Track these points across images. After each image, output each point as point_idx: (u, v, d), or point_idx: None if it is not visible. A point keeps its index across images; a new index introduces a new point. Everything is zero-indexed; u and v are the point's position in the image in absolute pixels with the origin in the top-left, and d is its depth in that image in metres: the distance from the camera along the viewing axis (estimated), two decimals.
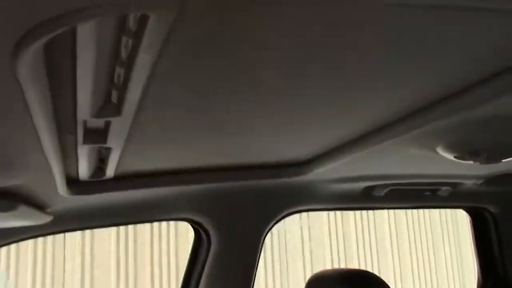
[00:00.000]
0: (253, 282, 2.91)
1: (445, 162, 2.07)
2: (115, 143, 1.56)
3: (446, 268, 10.55)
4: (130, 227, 8.24)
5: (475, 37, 1.12)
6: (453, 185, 2.87)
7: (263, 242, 2.89)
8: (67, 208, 2.33)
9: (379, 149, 1.91)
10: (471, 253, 9.95)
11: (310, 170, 2.29)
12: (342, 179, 2.60)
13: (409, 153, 2.06)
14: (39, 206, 2.10)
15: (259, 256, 2.90)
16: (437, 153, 1.99)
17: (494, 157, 2.01)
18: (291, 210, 2.90)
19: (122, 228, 8.20)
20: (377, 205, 3.13)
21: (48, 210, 2.20)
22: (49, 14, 0.77)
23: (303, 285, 2.42)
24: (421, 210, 10.30)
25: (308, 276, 2.71)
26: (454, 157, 1.97)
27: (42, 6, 0.75)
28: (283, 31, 1.04)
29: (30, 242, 7.72)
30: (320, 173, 2.33)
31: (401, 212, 10.23)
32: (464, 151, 1.93)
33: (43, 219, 2.20)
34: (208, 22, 0.96)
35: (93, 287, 8.08)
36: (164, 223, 8.42)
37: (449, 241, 10.66)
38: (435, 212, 10.49)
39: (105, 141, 1.51)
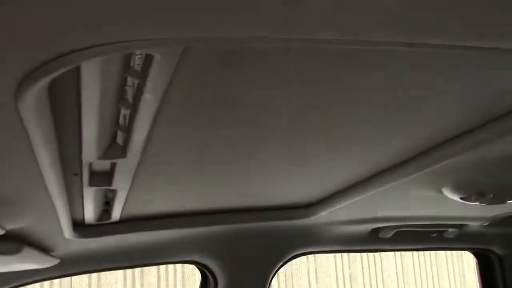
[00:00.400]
0: None
1: (451, 203, 2.06)
2: (121, 185, 1.56)
3: None
4: (137, 270, 8.18)
5: (479, 79, 1.13)
6: (459, 226, 2.86)
7: (270, 284, 2.87)
8: (73, 251, 2.32)
9: (384, 191, 1.90)
10: None
11: (316, 213, 2.28)
12: (348, 221, 2.58)
13: (415, 194, 2.05)
14: (45, 249, 2.09)
15: None
16: (443, 194, 1.98)
17: (499, 198, 2.00)
18: (297, 252, 2.88)
19: (128, 272, 8.15)
20: (383, 247, 3.11)
21: (54, 253, 2.18)
22: (53, 53, 0.77)
23: None
24: (427, 252, 10.21)
25: None
26: (460, 198, 1.96)
27: (45, 45, 0.75)
28: (285, 78, 1.04)
29: (36, 285, 7.67)
30: (326, 216, 2.32)
31: (407, 253, 10.14)
32: (470, 192, 1.93)
33: (49, 262, 2.18)
34: (212, 64, 0.97)
35: None
36: (170, 266, 8.36)
37: (455, 282, 10.54)
38: (441, 253, 10.39)
39: (110, 184, 1.51)
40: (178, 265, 8.37)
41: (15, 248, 1.82)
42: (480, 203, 1.98)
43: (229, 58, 0.95)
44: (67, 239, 2.03)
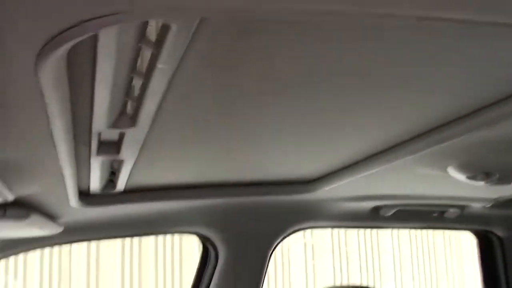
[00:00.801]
0: None
1: (455, 183, 2.06)
2: (128, 156, 1.57)
3: (447, 282, 10.46)
4: (135, 242, 8.23)
5: (491, 57, 1.12)
6: (462, 207, 2.86)
7: (270, 258, 2.89)
8: (78, 219, 2.33)
9: (388, 168, 1.91)
10: (473, 276, 9.91)
11: (319, 188, 2.29)
12: (350, 198, 2.59)
13: (419, 173, 2.05)
14: (51, 216, 2.11)
15: (266, 271, 2.89)
16: (448, 173, 1.98)
17: (506, 179, 2.00)
18: (299, 227, 2.90)
19: (127, 243, 8.20)
20: (384, 225, 3.12)
21: (59, 220, 2.20)
22: (73, 20, 0.78)
23: None
24: (424, 233, 10.24)
25: None
26: (466, 177, 1.96)
27: (66, 12, 0.76)
28: (294, 50, 1.05)
29: (37, 257, 7.74)
30: (328, 191, 2.33)
31: (404, 233, 10.17)
32: (476, 171, 1.92)
33: (54, 229, 2.20)
34: (226, 36, 0.97)
35: None
36: (168, 240, 8.41)
37: (451, 262, 10.58)
38: (439, 233, 10.41)
39: (118, 153, 1.52)
40: (176, 239, 8.42)
41: (23, 214, 1.83)
42: (485, 183, 1.98)
43: (243, 30, 0.96)
44: (72, 207, 2.04)
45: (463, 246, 10.51)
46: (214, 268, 2.85)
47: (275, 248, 2.89)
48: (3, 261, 2.53)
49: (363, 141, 1.71)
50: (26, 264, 7.77)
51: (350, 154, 1.87)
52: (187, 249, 8.43)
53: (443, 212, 2.93)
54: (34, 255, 7.71)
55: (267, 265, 2.90)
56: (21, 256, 7.59)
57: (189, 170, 2.01)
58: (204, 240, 2.85)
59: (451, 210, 2.88)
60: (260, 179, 2.26)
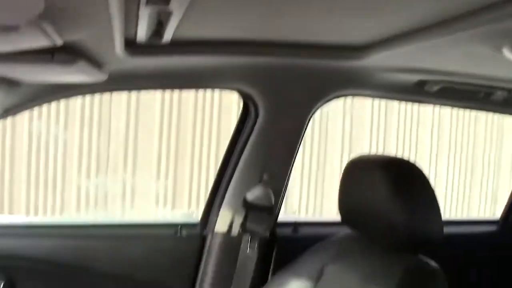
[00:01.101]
0: (295, 158, 2.96)
1: (508, 64, 2.01)
2: (177, 7, 1.55)
3: (483, 170, 10.50)
4: (175, 98, 8.35)
5: None
6: (510, 90, 2.81)
7: (309, 121, 2.91)
8: (122, 68, 2.35)
9: (440, 42, 1.86)
10: (510, 161, 9.93)
11: (366, 55, 2.26)
12: (396, 68, 2.56)
13: (472, 50, 2.00)
14: (97, 64, 2.12)
15: (304, 133, 2.93)
16: (502, 53, 1.93)
17: None
18: (340, 93, 2.90)
19: (167, 98, 8.33)
20: (427, 100, 3.10)
21: (105, 68, 2.22)
22: None
23: (340, 164, 2.41)
24: (466, 117, 10.17)
25: (345, 160, 2.72)
26: None
27: None
28: None
29: (78, 105, 7.91)
30: (375, 60, 2.30)
31: (446, 115, 10.10)
32: None
33: (99, 76, 2.23)
34: None
35: (136, 147, 8.33)
36: (208, 97, 8.51)
37: (490, 149, 10.55)
38: (481, 119, 10.32)
39: (167, 4, 1.51)
40: (216, 98, 8.52)
41: (70, 60, 1.85)
42: None
43: None
44: (118, 56, 2.05)
45: (504, 137, 10.44)
46: (253, 125, 2.89)
47: (315, 111, 2.91)
48: (45, 106, 2.58)
49: (416, 10, 1.66)
50: (68, 111, 7.97)
51: (401, 23, 1.83)
52: (226, 105, 8.54)
53: (489, 94, 2.88)
54: (75, 103, 7.89)
55: (306, 128, 2.93)
56: (62, 104, 7.78)
57: (236, 25, 1.99)
58: (245, 97, 2.87)
59: (499, 92, 2.83)
60: (307, 41, 2.23)
